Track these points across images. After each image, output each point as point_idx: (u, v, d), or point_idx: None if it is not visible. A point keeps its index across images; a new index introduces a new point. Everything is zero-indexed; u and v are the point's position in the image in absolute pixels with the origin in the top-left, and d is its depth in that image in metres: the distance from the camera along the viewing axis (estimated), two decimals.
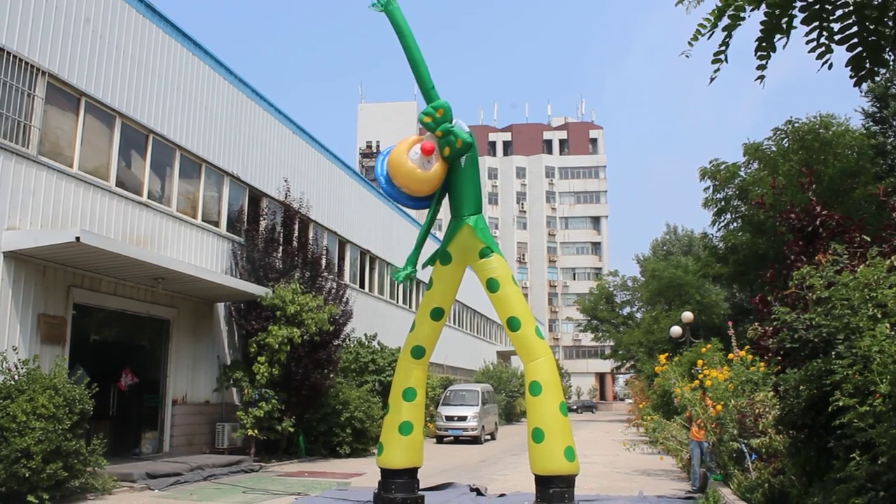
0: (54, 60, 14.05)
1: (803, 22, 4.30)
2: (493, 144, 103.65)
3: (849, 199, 23.07)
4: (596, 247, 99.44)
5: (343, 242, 27.18)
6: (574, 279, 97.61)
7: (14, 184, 13.03)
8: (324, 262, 22.12)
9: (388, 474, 10.34)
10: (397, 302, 33.67)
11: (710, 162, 27.44)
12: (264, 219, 20.82)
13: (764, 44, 4.53)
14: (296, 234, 21.41)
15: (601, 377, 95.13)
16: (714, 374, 14.43)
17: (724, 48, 4.68)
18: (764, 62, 4.60)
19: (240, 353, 19.52)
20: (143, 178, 16.68)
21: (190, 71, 18.49)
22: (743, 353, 14.31)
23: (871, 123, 27.36)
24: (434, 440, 28.46)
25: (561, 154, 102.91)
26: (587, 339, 75.76)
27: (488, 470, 18.06)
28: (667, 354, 19.77)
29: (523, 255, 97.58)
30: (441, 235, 10.99)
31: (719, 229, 29.30)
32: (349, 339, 23.05)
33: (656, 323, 44.02)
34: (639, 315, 54.72)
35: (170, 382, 17.44)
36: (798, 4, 4.34)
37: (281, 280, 19.33)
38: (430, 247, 10.96)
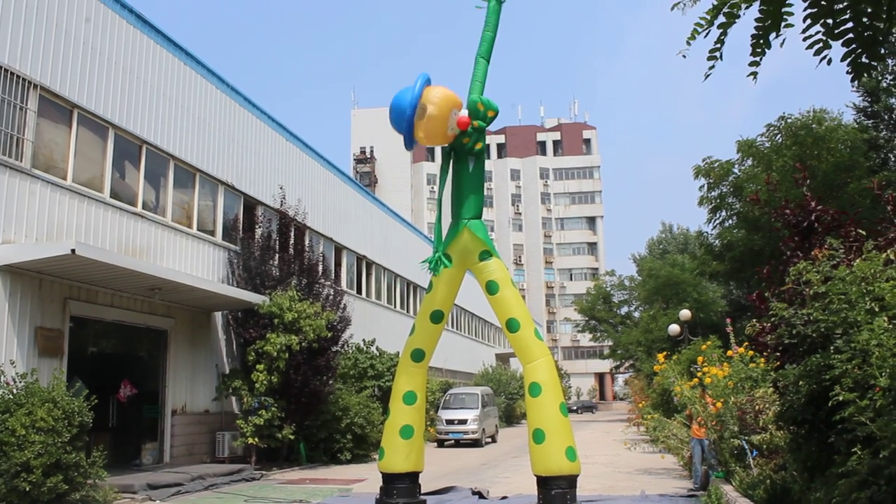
0: (46, 73, 14.03)
1: (809, 17, 4.29)
2: (486, 147, 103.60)
3: (843, 194, 23.12)
4: (592, 247, 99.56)
5: (339, 248, 27.16)
6: (571, 280, 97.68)
7: (8, 197, 13.01)
8: (320, 268, 22.11)
9: (389, 479, 10.33)
10: (395, 307, 33.65)
11: (704, 160, 27.51)
12: (260, 227, 20.81)
13: (760, 41, 4.53)
14: (292, 241, 21.39)
15: (600, 377, 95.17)
16: (713, 371, 14.43)
17: (719, 45, 4.68)
18: (758, 59, 4.60)
19: (238, 362, 19.49)
20: (138, 188, 16.67)
21: (182, 81, 18.48)
22: (742, 349, 14.32)
23: (863, 118, 27.41)
24: (435, 444, 28.43)
25: (555, 155, 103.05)
26: (585, 340, 75.81)
27: (490, 473, 18.05)
28: (665, 353, 19.77)
29: (520, 256, 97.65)
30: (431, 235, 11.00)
31: (715, 227, 29.37)
32: (347, 345, 23.03)
33: (654, 322, 44.03)
34: (636, 314, 54.76)
35: (169, 393, 17.40)
36: (794, 1, 4.34)
37: (278, 287, 19.31)
38: (424, 248, 10.95)
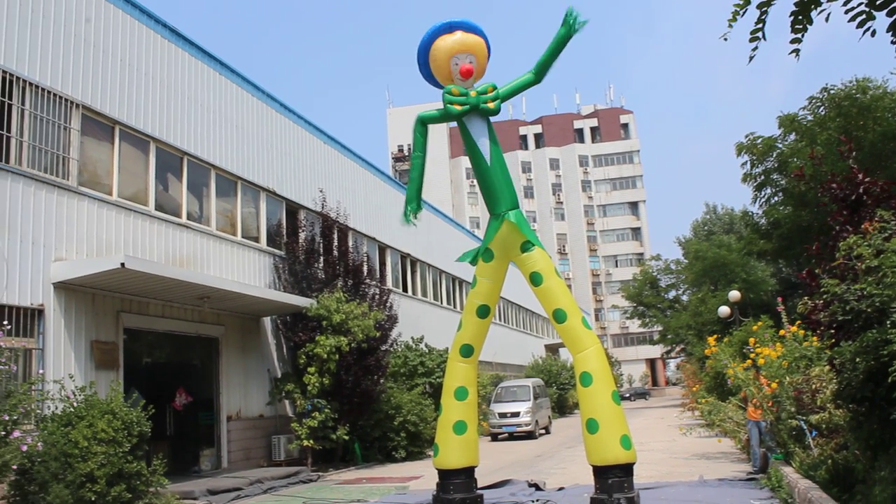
0: (87, 92, 14.32)
1: None
2: (524, 138, 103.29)
3: (892, 164, 22.55)
4: (636, 232, 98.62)
5: (383, 248, 27.28)
6: (616, 266, 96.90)
7: (58, 216, 13.31)
8: (365, 268, 22.22)
9: (445, 475, 10.35)
10: (441, 303, 33.72)
11: (746, 136, 27.04)
12: (303, 230, 20.98)
13: (800, 17, 4.43)
14: (335, 243, 21.53)
15: (651, 363, 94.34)
16: (766, 351, 14.19)
17: (760, 25, 4.58)
18: (799, 35, 4.50)
19: (289, 366, 19.68)
20: (181, 199, 16.92)
21: (219, 91, 18.70)
22: (794, 328, 14.07)
23: None
24: (488, 438, 28.43)
25: (593, 142, 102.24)
26: (634, 326, 75.13)
27: (545, 464, 18.01)
28: (716, 336, 19.51)
29: (563, 246, 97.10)
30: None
31: (760, 205, 28.88)
32: (396, 344, 23.13)
33: (703, 304, 43.48)
34: (685, 298, 54.08)
35: (223, 399, 17.65)
36: None
37: (324, 290, 19.45)
38: (467, 243, 10.96)
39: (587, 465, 9.68)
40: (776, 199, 28.05)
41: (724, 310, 30.21)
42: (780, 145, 26.60)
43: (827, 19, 4.44)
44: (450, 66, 10.20)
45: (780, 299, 18.58)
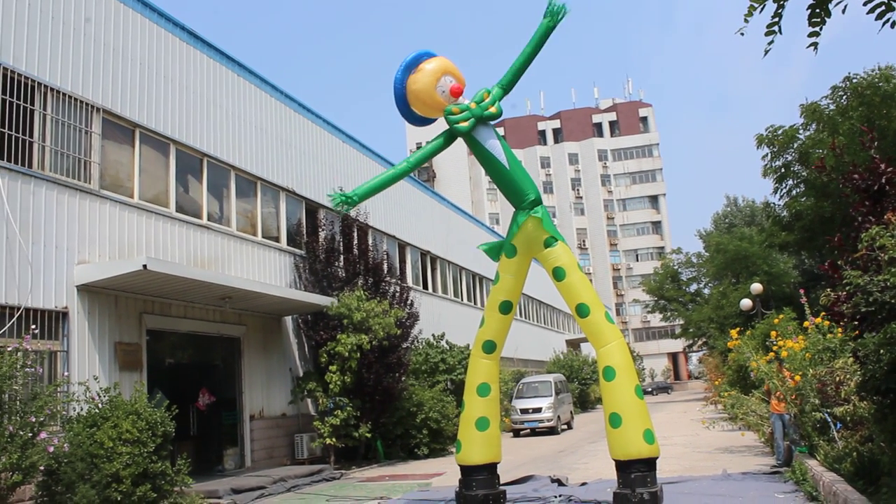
0: (107, 96, 14.45)
1: None
2: (542, 133, 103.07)
3: None
4: (656, 226, 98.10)
5: (403, 246, 27.32)
6: (637, 261, 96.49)
7: (80, 219, 13.45)
8: (385, 266, 22.25)
9: (468, 471, 10.37)
10: (462, 300, 33.72)
11: (767, 129, 26.79)
12: (323, 230, 21.05)
13: (818, 10, 4.38)
14: (355, 241, 21.59)
15: (674, 357, 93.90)
16: (789, 344, 14.09)
17: (777, 20, 4.55)
18: (817, 28, 4.45)
19: (311, 364, 19.77)
20: (202, 201, 17.03)
21: (237, 92, 18.80)
22: (818, 320, 13.95)
23: None
24: (511, 434, 28.43)
25: (612, 136, 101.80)
26: (656, 320, 74.89)
27: (567, 460, 17.98)
28: (738, 329, 19.38)
29: (584, 241, 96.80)
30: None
31: (781, 197, 28.60)
32: (417, 341, 23.17)
33: (725, 297, 43.19)
34: (706, 291, 53.73)
35: (246, 398, 17.76)
36: None
37: (345, 288, 19.51)
38: (487, 239, 10.94)
39: (610, 460, 9.68)
40: (798, 190, 27.78)
41: (746, 303, 30.01)
42: (802, 136, 26.33)
43: (844, 11, 4.39)
44: (436, 95, 10.23)
45: (802, 291, 18.44)
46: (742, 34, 4.74)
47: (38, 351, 11.86)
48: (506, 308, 10.61)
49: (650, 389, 72.41)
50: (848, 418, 11.58)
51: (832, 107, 25.15)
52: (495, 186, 10.90)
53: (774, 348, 14.63)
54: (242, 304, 17.11)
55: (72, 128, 13.56)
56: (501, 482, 10.84)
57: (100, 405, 11.76)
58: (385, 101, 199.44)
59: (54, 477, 11.05)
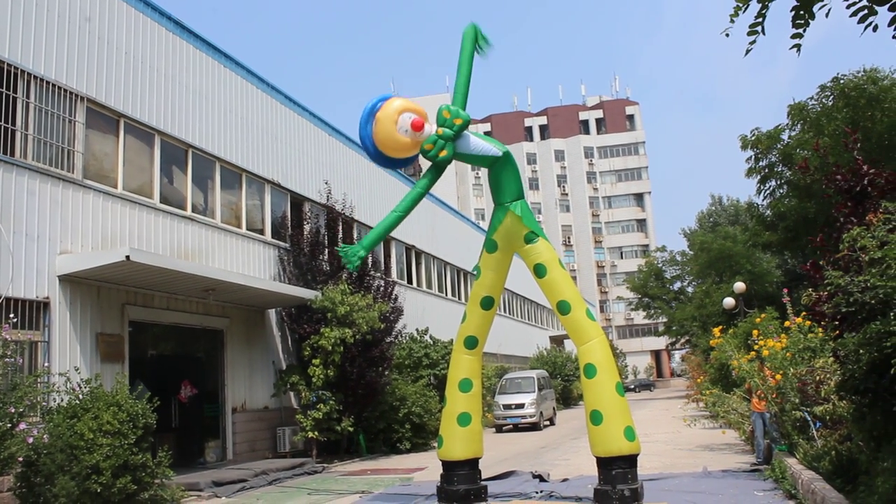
0: (91, 85, 14.34)
1: None
2: (529, 129, 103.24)
3: None
4: (641, 224, 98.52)
5: (388, 240, 27.26)
6: (622, 258, 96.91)
7: (63, 209, 13.35)
8: (370, 260, 22.23)
9: (449, 466, 10.39)
10: (446, 295, 33.74)
11: (752, 131, 26.93)
12: (308, 223, 21.00)
13: (801, 12, 4.40)
14: (340, 235, 21.55)
15: (657, 355, 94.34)
16: (771, 343, 14.17)
17: (760, 20, 4.56)
18: (800, 30, 4.47)
19: (294, 358, 19.73)
20: (186, 192, 16.94)
21: (223, 83, 18.71)
22: (799, 320, 14.04)
23: None
24: (493, 430, 28.49)
25: (598, 133, 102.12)
26: (639, 318, 75.04)
27: (549, 455, 18.04)
28: (721, 327, 19.46)
29: (568, 237, 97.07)
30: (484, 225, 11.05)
31: (765, 197, 28.76)
32: (401, 336, 23.16)
33: (708, 296, 43.34)
34: (690, 289, 53.97)
35: (228, 391, 17.72)
36: None
37: (329, 282, 19.48)
38: (472, 235, 10.96)
39: (591, 457, 9.72)
40: (781, 191, 27.93)
41: (728, 301, 30.13)
42: (786, 136, 26.46)
43: (827, 15, 4.41)
44: (400, 136, 10.02)
45: (785, 291, 18.54)
46: (727, 35, 4.75)
47: (18, 341, 11.78)
48: (487, 304, 10.63)
49: (633, 387, 72.72)
50: (827, 417, 11.66)
51: (818, 108, 25.28)
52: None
53: (756, 347, 14.71)
54: (226, 297, 17.05)
55: (55, 116, 13.45)
56: (483, 477, 10.87)
57: (80, 396, 11.67)
58: (374, 95, 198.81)
59: (33, 468, 10.97)
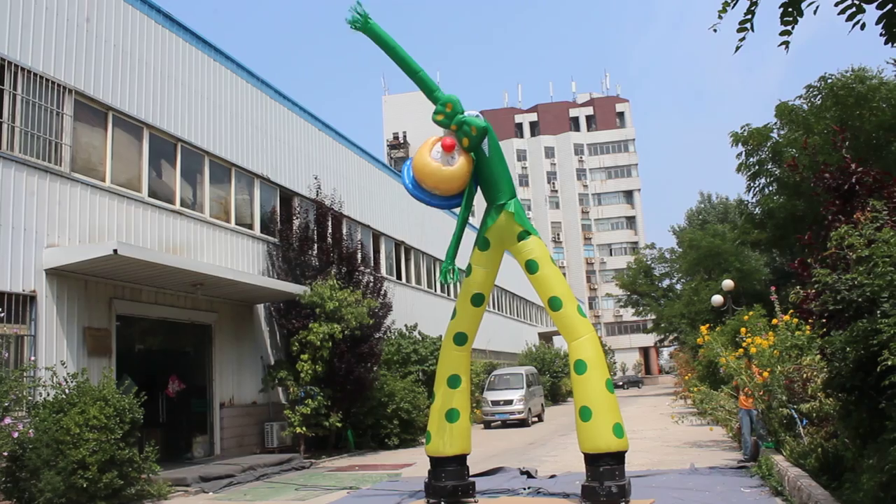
0: (80, 78, 14.24)
1: None
2: (519, 126, 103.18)
3: (888, 154, 22.50)
4: (631, 221, 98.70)
5: (377, 235, 27.25)
6: (611, 255, 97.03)
7: (50, 202, 13.26)
8: (359, 256, 22.18)
9: (437, 462, 10.38)
10: (435, 291, 33.71)
11: (742, 127, 26.97)
12: (297, 218, 20.94)
13: (790, 9, 4.41)
14: (329, 230, 21.51)
15: (645, 352, 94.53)
16: (759, 341, 14.23)
17: (749, 17, 4.57)
18: (789, 28, 4.48)
19: (283, 353, 19.68)
20: (175, 186, 16.86)
21: (213, 77, 18.62)
22: (787, 317, 14.10)
23: None
24: (481, 426, 28.50)
25: (588, 130, 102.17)
26: (628, 315, 75.22)
27: (537, 452, 18.07)
28: (709, 325, 19.52)
29: (558, 234, 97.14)
30: (477, 223, 11.04)
31: (755, 195, 28.83)
32: (390, 332, 23.13)
33: (696, 294, 43.47)
34: (678, 286, 54.15)
35: (216, 386, 17.66)
36: None
37: (318, 277, 19.43)
38: (468, 237, 10.92)
39: (579, 453, 9.73)
40: (771, 188, 28.00)
41: (717, 299, 30.22)
42: (775, 135, 26.53)
43: (815, 12, 4.42)
44: (436, 163, 10.07)
45: (773, 289, 18.62)
46: (715, 30, 4.75)
47: (3, 335, 11.73)
48: (478, 300, 10.64)
49: (621, 383, 72.87)
50: (814, 415, 11.72)
51: (806, 107, 25.35)
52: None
53: (744, 345, 14.76)
54: (214, 291, 16.98)
55: (43, 109, 13.35)
56: (471, 474, 10.86)
57: (67, 391, 11.63)
58: (364, 93, 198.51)
59: (19, 463, 10.92)
